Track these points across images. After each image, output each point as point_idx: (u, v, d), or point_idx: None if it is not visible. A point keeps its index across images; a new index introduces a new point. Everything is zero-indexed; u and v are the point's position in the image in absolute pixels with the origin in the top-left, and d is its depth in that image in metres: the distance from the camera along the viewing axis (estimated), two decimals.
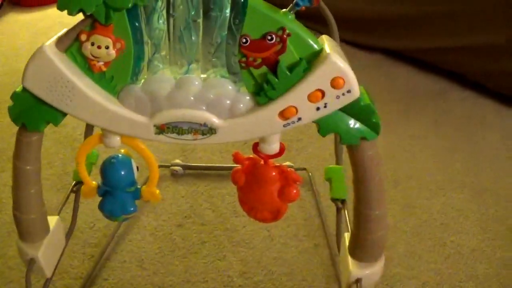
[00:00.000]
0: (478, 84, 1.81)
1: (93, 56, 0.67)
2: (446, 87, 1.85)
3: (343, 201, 1.01)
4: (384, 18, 1.97)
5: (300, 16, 0.66)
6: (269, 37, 0.64)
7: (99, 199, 0.85)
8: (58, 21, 2.44)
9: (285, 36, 0.64)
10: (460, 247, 1.21)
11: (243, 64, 0.66)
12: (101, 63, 0.68)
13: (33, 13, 2.59)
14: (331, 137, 0.72)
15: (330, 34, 0.91)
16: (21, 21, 2.51)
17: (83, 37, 0.67)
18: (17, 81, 1.85)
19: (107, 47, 0.66)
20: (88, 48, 0.67)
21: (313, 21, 0.92)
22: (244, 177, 0.80)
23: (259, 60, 0.66)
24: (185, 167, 1.42)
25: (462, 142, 1.57)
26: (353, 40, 2.04)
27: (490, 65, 1.73)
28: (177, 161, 1.42)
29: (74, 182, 1.04)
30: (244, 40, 0.65)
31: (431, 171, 1.45)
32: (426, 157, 1.51)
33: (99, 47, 0.66)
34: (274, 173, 0.77)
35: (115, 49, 0.66)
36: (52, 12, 2.57)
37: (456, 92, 1.83)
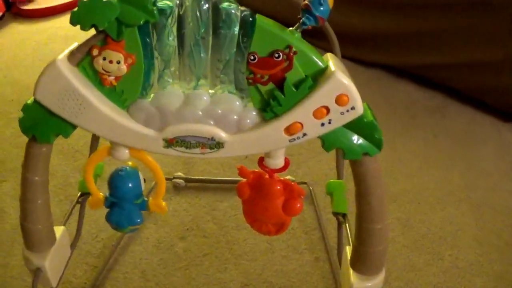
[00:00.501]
0: (476, 99, 1.83)
1: (105, 71, 0.69)
2: (445, 103, 1.87)
3: (344, 215, 1.03)
4: (383, 35, 1.98)
5: (303, 33, 0.68)
6: (276, 55, 0.66)
7: (103, 210, 0.86)
8: (60, 33, 2.45)
9: (291, 54, 0.66)
10: (458, 261, 1.22)
11: (250, 81, 0.68)
12: (112, 77, 0.69)
13: (35, 24, 2.60)
14: (331, 151, 0.73)
15: (331, 50, 0.93)
16: (23, 32, 2.52)
17: (95, 51, 0.68)
18: (18, 92, 1.87)
19: (118, 62, 0.68)
20: (99, 63, 0.68)
21: (315, 37, 0.93)
22: (249, 190, 0.81)
23: (266, 77, 0.68)
24: (187, 180, 1.43)
25: (460, 157, 1.59)
26: (353, 56, 2.05)
27: (488, 81, 1.74)
28: (179, 173, 1.42)
29: (80, 193, 1.05)
30: (252, 58, 0.67)
31: (429, 186, 1.46)
32: (424, 172, 1.52)
33: (110, 62, 0.68)
34: (278, 187, 0.79)
35: (126, 64, 0.68)
36: (54, 23, 2.58)
37: (454, 108, 1.84)
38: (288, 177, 1.33)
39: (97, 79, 0.70)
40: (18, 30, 2.54)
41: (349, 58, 2.03)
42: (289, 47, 0.66)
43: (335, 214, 1.03)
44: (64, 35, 2.41)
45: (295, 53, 0.66)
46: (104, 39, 0.67)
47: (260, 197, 0.80)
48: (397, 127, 1.72)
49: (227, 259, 1.20)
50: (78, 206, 1.07)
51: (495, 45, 1.68)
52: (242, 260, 1.20)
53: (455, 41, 1.78)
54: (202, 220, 1.32)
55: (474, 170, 1.53)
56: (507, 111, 1.76)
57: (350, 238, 0.95)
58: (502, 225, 1.33)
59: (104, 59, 0.68)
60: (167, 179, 1.40)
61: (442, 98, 1.90)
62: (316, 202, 1.36)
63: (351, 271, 0.84)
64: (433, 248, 1.25)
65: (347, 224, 1.01)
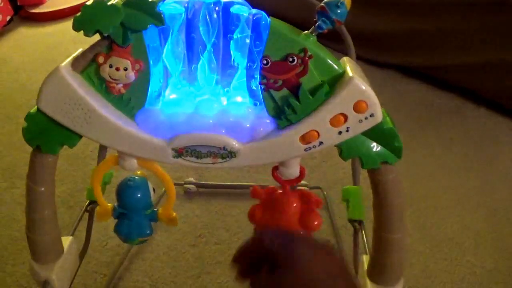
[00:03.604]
0: (492, 101, 1.79)
1: (112, 79, 0.66)
2: (460, 104, 1.83)
3: (360, 222, 0.99)
4: (397, 35, 1.96)
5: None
6: (291, 59, 0.64)
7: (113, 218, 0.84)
8: (69, 36, 2.42)
9: (306, 58, 0.63)
10: (476, 267, 1.19)
11: (263, 86, 0.66)
12: (120, 85, 0.67)
13: (44, 27, 2.58)
14: None
15: (346, 52, 0.91)
16: (32, 36, 2.50)
17: (101, 59, 0.66)
18: (28, 97, 1.86)
19: (125, 69, 0.65)
20: (106, 71, 0.66)
21: (325, 38, 0.90)
22: (260, 214, 0.78)
23: (280, 82, 0.65)
24: (198, 186, 1.40)
25: (477, 161, 1.56)
26: (367, 57, 2.03)
27: (503, 82, 1.72)
28: (191, 179, 1.40)
29: (88, 201, 1.02)
30: (264, 62, 0.64)
31: (446, 190, 1.43)
32: (441, 176, 1.49)
33: (117, 69, 0.66)
34: (295, 205, 0.76)
35: (134, 71, 0.65)
36: (63, 27, 2.56)
37: (470, 109, 1.80)
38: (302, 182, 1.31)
39: (102, 87, 0.68)
40: (27, 33, 2.53)
41: (362, 59, 2.01)
42: (304, 50, 0.63)
43: (351, 221, 1.00)
44: (73, 39, 2.38)
45: (310, 57, 0.64)
46: (110, 45, 0.65)
47: (275, 216, 0.77)
48: (412, 129, 1.69)
49: None
50: (87, 214, 1.05)
51: (509, 46, 1.65)
52: None
53: (470, 42, 1.76)
54: (214, 226, 1.29)
55: (490, 173, 1.50)
56: None
57: (366, 246, 0.92)
58: None
59: (111, 66, 0.66)
60: (178, 184, 1.38)
61: (458, 99, 1.86)
62: (330, 208, 1.33)
63: (368, 281, 0.81)
64: (451, 255, 1.23)
65: (363, 231, 0.98)
